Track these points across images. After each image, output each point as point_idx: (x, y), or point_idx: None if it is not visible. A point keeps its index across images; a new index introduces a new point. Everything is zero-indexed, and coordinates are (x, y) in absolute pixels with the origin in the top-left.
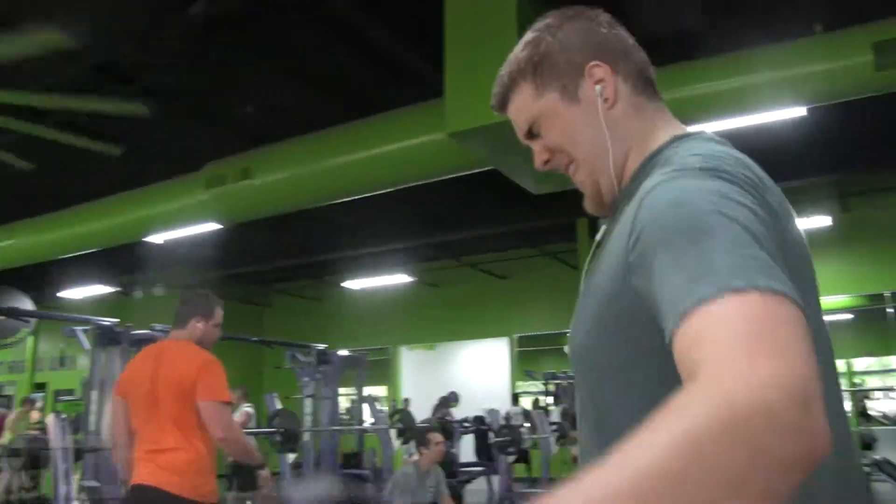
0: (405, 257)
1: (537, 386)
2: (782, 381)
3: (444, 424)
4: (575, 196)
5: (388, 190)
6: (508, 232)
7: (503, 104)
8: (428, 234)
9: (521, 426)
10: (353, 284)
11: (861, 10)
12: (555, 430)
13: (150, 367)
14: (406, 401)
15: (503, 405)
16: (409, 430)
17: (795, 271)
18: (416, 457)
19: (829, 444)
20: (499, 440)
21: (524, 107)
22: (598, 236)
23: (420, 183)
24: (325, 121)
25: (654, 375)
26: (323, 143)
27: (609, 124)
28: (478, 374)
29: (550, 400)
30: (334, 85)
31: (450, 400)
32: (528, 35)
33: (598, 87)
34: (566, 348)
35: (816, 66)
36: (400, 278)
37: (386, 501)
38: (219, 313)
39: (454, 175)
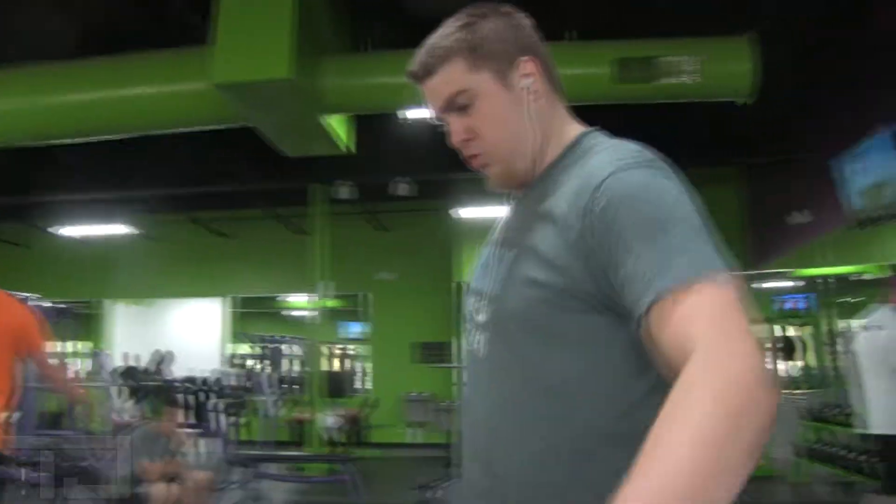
0: (126, 207)
1: (246, 348)
2: (754, 363)
3: (167, 386)
4: (312, 161)
5: (134, 135)
6: (240, 191)
7: (427, 73)
8: (155, 186)
9: (244, 388)
10: (68, 231)
11: (609, 25)
12: (280, 393)
13: None
14: (137, 357)
15: (216, 366)
16: (143, 389)
17: None
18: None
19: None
20: (226, 401)
21: (455, 78)
22: (511, 207)
23: (169, 132)
24: (69, 52)
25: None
26: (65, 74)
27: (533, 116)
28: (191, 333)
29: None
30: (79, 12)
31: (167, 360)
32: (461, 18)
33: (526, 81)
34: (473, 307)
35: (563, 70)
36: (118, 229)
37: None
38: None
39: (208, 128)
